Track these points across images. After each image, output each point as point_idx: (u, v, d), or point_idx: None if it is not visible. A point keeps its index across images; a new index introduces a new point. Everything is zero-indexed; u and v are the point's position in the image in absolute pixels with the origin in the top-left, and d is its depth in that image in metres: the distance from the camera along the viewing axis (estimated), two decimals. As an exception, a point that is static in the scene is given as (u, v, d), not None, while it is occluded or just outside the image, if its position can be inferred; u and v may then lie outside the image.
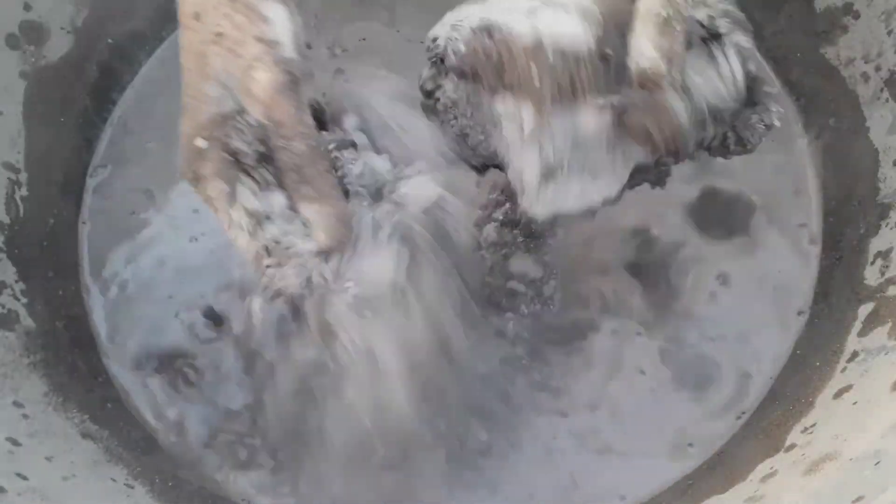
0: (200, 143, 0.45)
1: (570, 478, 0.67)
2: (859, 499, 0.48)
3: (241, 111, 0.45)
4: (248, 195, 0.47)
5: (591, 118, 0.49)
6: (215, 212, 0.48)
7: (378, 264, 0.50)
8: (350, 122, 0.54)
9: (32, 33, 0.73)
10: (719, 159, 0.59)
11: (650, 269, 0.73)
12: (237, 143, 0.45)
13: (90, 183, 0.78)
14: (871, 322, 0.66)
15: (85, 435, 0.65)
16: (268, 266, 0.49)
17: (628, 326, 0.72)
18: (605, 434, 0.68)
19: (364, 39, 0.83)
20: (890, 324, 0.63)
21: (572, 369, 0.70)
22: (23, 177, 0.72)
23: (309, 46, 0.50)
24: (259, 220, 0.47)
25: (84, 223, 0.77)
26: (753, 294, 0.73)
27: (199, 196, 0.48)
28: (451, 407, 0.66)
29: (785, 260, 0.74)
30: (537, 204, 0.52)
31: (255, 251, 0.48)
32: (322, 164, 0.47)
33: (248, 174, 0.47)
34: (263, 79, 0.43)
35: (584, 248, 0.73)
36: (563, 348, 0.71)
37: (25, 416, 0.62)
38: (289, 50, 0.44)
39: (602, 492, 0.67)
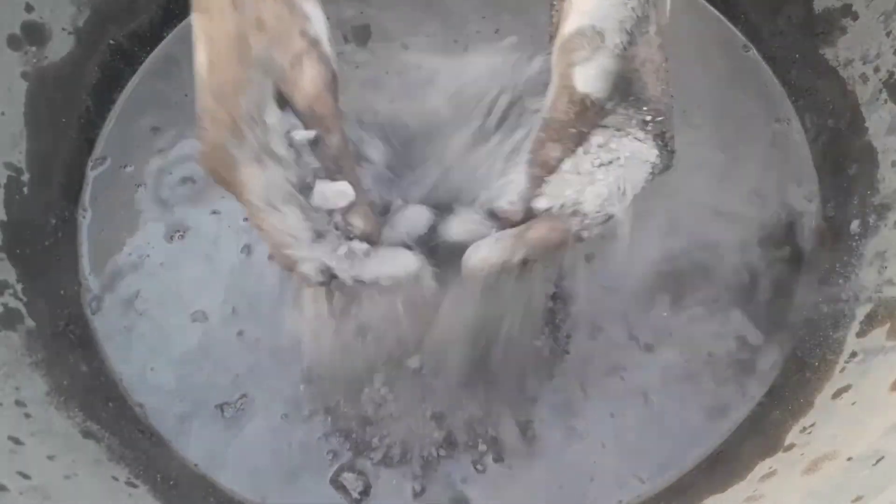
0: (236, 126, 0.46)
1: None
2: (858, 499, 0.49)
3: (281, 98, 0.46)
4: (280, 175, 0.47)
5: None
6: (242, 196, 0.48)
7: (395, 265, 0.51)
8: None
9: (34, 34, 0.73)
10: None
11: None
12: (278, 126, 0.46)
13: (91, 183, 0.78)
14: (870, 322, 0.66)
15: (86, 434, 0.65)
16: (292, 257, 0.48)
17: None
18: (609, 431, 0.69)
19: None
20: (888, 324, 0.63)
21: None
22: (24, 177, 0.72)
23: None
24: (291, 201, 0.48)
25: (84, 221, 0.77)
26: (752, 293, 0.73)
27: (224, 185, 0.48)
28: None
29: (783, 260, 0.75)
30: None
31: (282, 239, 0.48)
32: (351, 159, 0.49)
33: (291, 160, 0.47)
34: (312, 73, 0.46)
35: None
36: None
37: (27, 416, 0.62)
38: (328, 47, 0.47)
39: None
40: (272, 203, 0.47)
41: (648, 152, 0.49)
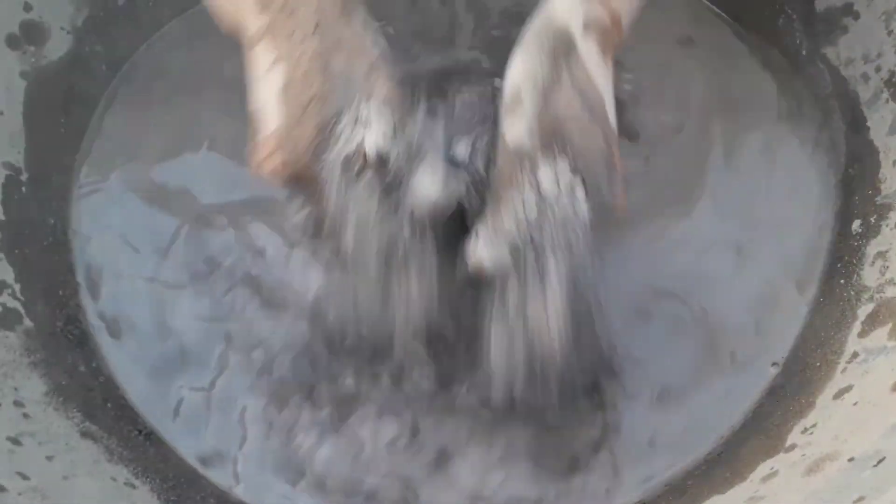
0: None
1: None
2: (860, 499, 0.49)
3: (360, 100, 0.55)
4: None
5: None
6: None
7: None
8: None
9: (33, 33, 0.73)
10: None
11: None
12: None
13: (90, 182, 0.78)
14: (871, 323, 0.66)
15: (85, 434, 0.65)
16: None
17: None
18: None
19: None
20: (890, 325, 0.63)
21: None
22: (23, 176, 0.72)
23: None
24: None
25: (83, 222, 0.77)
26: (752, 293, 0.73)
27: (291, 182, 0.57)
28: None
29: (783, 259, 0.74)
30: None
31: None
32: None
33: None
34: (384, 82, 0.56)
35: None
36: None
37: (26, 416, 0.62)
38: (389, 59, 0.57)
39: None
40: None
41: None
